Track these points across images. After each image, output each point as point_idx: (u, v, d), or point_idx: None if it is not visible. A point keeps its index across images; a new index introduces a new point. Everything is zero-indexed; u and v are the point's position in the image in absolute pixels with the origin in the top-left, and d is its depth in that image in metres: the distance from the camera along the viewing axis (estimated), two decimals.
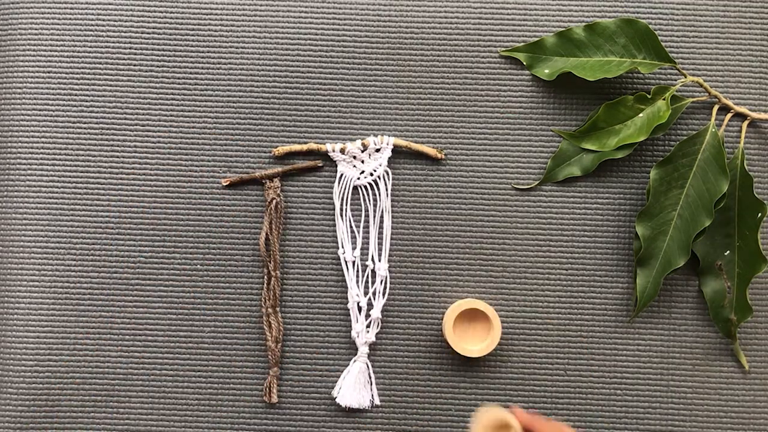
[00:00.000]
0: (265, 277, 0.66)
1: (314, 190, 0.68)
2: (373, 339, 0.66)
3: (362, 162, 0.67)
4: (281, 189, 0.68)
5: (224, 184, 0.68)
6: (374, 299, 0.67)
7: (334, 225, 0.68)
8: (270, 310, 0.66)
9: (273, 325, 0.66)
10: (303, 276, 0.67)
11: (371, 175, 0.67)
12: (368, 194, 0.68)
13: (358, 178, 0.67)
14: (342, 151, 0.67)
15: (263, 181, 0.67)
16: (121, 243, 0.67)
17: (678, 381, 0.67)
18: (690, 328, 0.67)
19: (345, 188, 0.67)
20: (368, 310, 0.67)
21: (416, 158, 0.68)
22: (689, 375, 0.67)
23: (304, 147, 0.67)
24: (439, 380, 0.67)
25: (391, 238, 0.67)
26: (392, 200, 0.68)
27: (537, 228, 0.68)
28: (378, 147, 0.67)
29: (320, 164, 0.68)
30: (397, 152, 0.68)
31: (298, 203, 0.68)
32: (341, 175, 0.67)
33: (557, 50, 0.67)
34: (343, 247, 0.67)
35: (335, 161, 0.67)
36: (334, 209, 0.68)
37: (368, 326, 0.67)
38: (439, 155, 0.67)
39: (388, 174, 0.67)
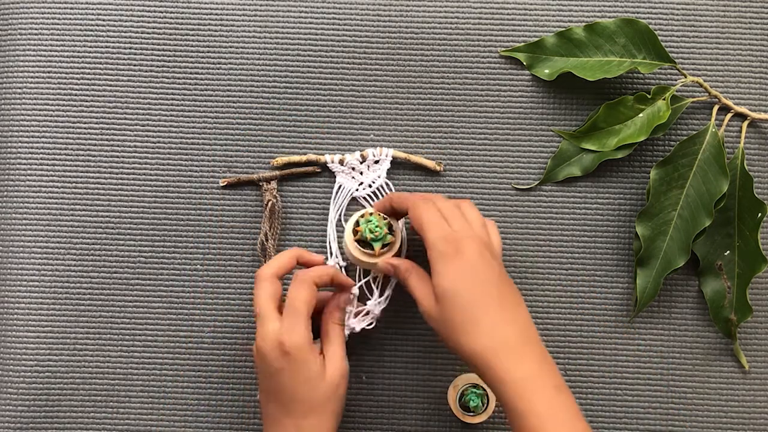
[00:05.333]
0: None
1: (314, 190, 0.68)
2: (357, 326, 0.65)
3: (361, 173, 0.67)
4: (279, 191, 0.68)
5: (222, 184, 0.67)
6: (372, 295, 0.66)
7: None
8: None
9: None
10: None
11: (370, 186, 0.67)
12: (368, 204, 0.67)
13: (357, 190, 0.67)
14: (341, 162, 0.67)
15: (260, 184, 0.67)
16: (121, 243, 0.68)
17: (678, 381, 0.67)
18: (690, 328, 0.67)
19: (343, 200, 0.67)
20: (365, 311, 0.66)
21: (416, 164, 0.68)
22: (689, 375, 0.67)
23: (303, 158, 0.67)
24: (439, 380, 0.67)
25: None
26: None
27: (537, 228, 0.68)
28: (377, 158, 0.67)
29: (318, 170, 0.68)
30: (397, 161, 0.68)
31: (297, 203, 0.68)
32: (339, 186, 0.67)
33: (557, 50, 0.67)
34: (332, 255, 0.67)
35: (333, 172, 0.67)
36: (332, 217, 0.67)
37: (361, 315, 0.65)
38: (437, 168, 0.67)
39: (388, 185, 0.67)
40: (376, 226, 0.60)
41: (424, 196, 0.60)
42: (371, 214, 0.61)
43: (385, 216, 0.62)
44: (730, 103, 0.67)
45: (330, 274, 0.59)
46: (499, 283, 0.55)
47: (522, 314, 0.55)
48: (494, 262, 0.56)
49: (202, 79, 0.69)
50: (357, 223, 0.62)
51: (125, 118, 0.68)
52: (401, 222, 0.65)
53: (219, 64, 0.69)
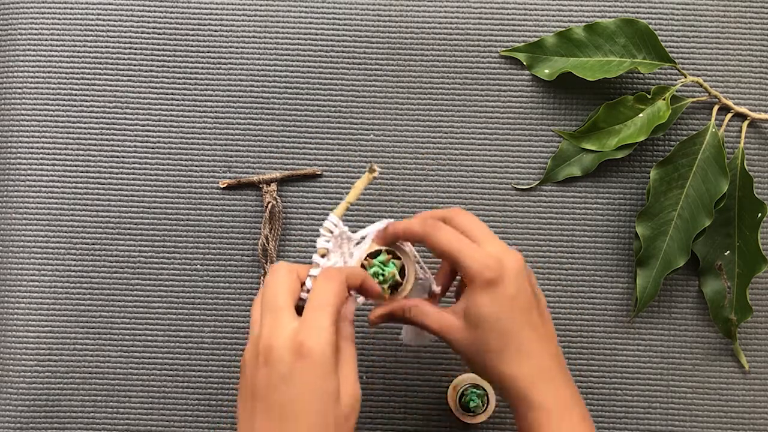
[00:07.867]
0: (261, 278, 0.66)
1: (314, 190, 0.68)
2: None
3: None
4: (279, 192, 0.68)
5: (221, 186, 0.67)
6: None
7: None
8: None
9: None
10: None
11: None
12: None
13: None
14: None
15: (260, 186, 0.67)
16: (121, 243, 0.68)
17: (678, 381, 0.67)
18: (690, 328, 0.67)
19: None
20: None
21: (417, 159, 0.68)
22: (689, 375, 0.67)
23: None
24: (439, 380, 0.67)
25: None
26: (392, 201, 0.68)
27: (537, 228, 0.68)
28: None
29: (319, 172, 0.68)
30: (397, 158, 0.68)
31: (298, 203, 0.68)
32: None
33: (557, 50, 0.67)
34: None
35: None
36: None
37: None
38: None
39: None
40: (382, 270, 0.53)
41: (426, 217, 0.54)
42: (377, 253, 0.54)
43: (390, 250, 0.55)
44: (730, 103, 0.67)
45: (362, 277, 0.51)
46: (538, 310, 0.53)
47: (556, 343, 0.54)
48: (529, 284, 0.53)
49: (202, 79, 0.69)
50: (362, 265, 0.54)
51: (125, 118, 0.68)
52: (410, 250, 0.55)
53: (219, 64, 0.69)
